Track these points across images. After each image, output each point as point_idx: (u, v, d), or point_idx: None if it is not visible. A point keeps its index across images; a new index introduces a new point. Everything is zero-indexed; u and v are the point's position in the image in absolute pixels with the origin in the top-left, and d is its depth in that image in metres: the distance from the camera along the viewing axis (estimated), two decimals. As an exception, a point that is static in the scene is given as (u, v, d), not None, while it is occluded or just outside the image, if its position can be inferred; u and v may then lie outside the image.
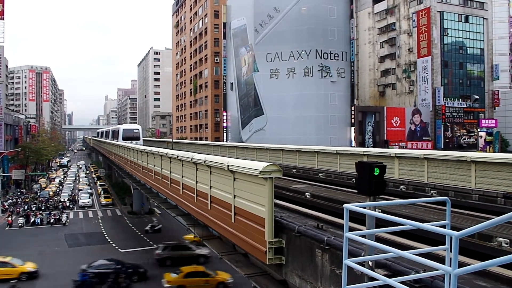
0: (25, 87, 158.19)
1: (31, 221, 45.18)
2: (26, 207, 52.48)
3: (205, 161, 11.77)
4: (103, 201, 57.22)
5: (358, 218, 7.15)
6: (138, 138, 49.12)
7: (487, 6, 63.08)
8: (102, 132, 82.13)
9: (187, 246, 32.40)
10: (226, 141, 64.65)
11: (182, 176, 14.84)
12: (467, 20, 61.19)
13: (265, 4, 61.49)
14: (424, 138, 58.85)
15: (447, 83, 59.82)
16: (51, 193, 64.39)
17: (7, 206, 53.67)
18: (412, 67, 60.60)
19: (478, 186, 12.42)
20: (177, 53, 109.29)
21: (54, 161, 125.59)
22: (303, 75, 60.03)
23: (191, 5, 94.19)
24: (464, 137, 61.52)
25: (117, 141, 47.62)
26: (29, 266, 28.46)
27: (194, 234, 18.59)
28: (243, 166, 9.25)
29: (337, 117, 59.23)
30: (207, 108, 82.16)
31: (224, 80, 71.34)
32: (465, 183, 12.85)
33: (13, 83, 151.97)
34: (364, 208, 4.33)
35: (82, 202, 56.16)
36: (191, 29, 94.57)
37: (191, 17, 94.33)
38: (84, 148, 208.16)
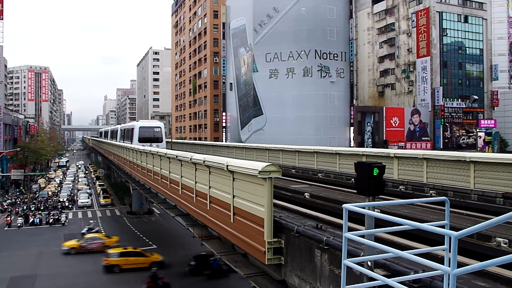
0: (24, 87, 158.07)
1: (30, 221, 45.13)
2: (25, 207, 52.41)
3: (204, 161, 11.77)
4: (102, 201, 57.16)
5: (357, 218, 7.16)
6: (160, 140, 37.88)
7: (486, 7, 63.14)
8: (105, 132, 71.37)
9: None
10: (225, 141, 64.64)
11: (181, 176, 14.84)
12: (466, 20, 61.23)
13: (265, 4, 61.50)
14: (423, 138, 58.89)
15: (446, 83, 59.86)
16: (50, 193, 64.31)
17: (6, 206, 53.62)
18: (411, 67, 60.65)
19: (477, 186, 12.43)
20: (176, 53, 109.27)
21: (53, 161, 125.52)
22: (302, 75, 60.04)
23: (190, 5, 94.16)
24: (463, 137, 61.57)
25: (131, 143, 37.09)
26: (157, 256, 30.14)
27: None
28: (242, 166, 9.25)
29: (336, 117, 59.25)
30: (206, 108, 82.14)
31: (223, 80, 71.30)
32: (464, 183, 12.86)
33: (12, 83, 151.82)
34: (363, 208, 4.33)
35: (81, 202, 56.10)
36: (190, 29, 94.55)
37: (190, 17, 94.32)
38: (83, 148, 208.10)
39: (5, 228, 43.39)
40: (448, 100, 59.53)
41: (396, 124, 57.81)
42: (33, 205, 54.03)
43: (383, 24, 65.10)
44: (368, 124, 58.71)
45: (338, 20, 60.58)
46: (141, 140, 36.78)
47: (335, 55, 60.44)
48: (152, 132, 38.52)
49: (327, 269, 7.47)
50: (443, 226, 3.85)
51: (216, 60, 79.53)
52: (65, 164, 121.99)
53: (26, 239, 39.01)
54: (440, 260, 3.75)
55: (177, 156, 15.00)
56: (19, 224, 43.93)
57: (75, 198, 60.67)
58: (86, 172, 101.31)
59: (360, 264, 5.08)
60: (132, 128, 39.42)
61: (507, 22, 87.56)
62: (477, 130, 60.00)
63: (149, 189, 24.79)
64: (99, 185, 69.13)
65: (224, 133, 70.03)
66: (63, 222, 45.41)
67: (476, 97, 61.58)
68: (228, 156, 31.36)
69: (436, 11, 58.67)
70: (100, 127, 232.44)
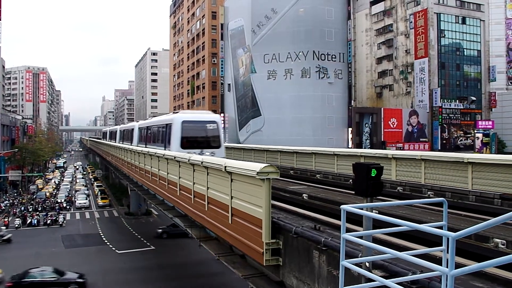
0: (22, 87, 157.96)
1: (28, 222, 45.06)
2: (22, 208, 52.30)
3: (202, 162, 11.76)
4: (100, 202, 57.10)
5: (355, 219, 7.16)
6: (216, 144, 22.96)
7: (483, 8, 63.28)
8: (111, 133, 55.66)
9: None
10: (224, 142, 64.50)
11: (179, 177, 14.82)
12: (464, 21, 61.37)
13: (263, 5, 61.53)
14: (421, 139, 58.96)
15: (444, 85, 59.94)
16: (48, 194, 64.18)
17: (3, 207, 53.50)
18: (409, 69, 60.72)
19: (475, 187, 12.44)
20: (174, 54, 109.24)
21: (51, 162, 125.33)
22: (300, 76, 60.09)
23: (189, 6, 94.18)
24: (461, 138, 61.66)
25: (165, 148, 22.13)
26: None
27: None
28: (240, 167, 9.25)
29: (334, 118, 59.30)
30: (204, 109, 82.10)
31: (222, 81, 71.33)
32: (462, 184, 12.87)
33: (9, 83, 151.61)
34: (361, 209, 4.33)
35: (79, 203, 56.04)
36: (188, 30, 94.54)
37: (189, 18, 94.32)
38: (81, 149, 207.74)
39: (3, 229, 43.28)
40: (446, 101, 59.62)
41: (394, 125, 57.86)
42: (31, 206, 53.90)
43: (381, 25, 65.19)
44: (366, 125, 58.75)
45: (336, 22, 60.68)
46: (186, 144, 21.48)
47: (333, 56, 60.52)
48: (203, 130, 23.11)
49: (325, 270, 7.47)
50: (441, 227, 3.85)
51: (214, 61, 79.56)
52: (63, 165, 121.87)
53: (24, 240, 38.94)
54: (438, 261, 3.76)
55: (175, 157, 14.99)
56: (16, 225, 43.84)
57: (73, 199, 60.59)
58: (84, 173, 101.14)
59: (358, 265, 5.08)
60: (168, 125, 23.11)
61: (504, 24, 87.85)
62: (475, 131, 60.06)
63: (147, 190, 24.74)
64: (97, 186, 69.02)
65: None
66: (61, 223, 45.37)
67: (474, 98, 61.69)
68: (226, 157, 31.33)
69: (434, 13, 58.76)
70: (99, 127, 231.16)
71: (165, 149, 21.47)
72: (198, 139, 22.60)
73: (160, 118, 28.75)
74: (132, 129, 35.43)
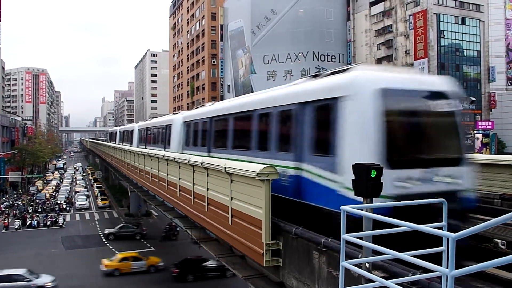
0: (22, 89, 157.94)
1: (28, 223, 45.05)
2: (22, 209, 52.26)
3: (202, 163, 11.75)
4: (100, 203, 57.08)
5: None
6: (455, 155, 8.71)
7: (483, 9, 63.33)
8: (124, 133, 44.54)
9: None
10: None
11: (179, 178, 14.81)
12: (463, 22, 61.41)
13: (262, 6, 61.61)
14: (421, 140, 58.89)
15: (443, 85, 59.91)
16: (47, 195, 64.16)
17: (3, 208, 53.46)
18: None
19: (475, 187, 12.43)
20: (174, 55, 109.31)
21: (51, 163, 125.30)
22: (300, 77, 60.06)
23: (188, 7, 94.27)
24: (461, 138, 61.60)
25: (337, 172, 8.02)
26: None
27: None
28: (240, 168, 9.24)
29: (334, 119, 59.31)
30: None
31: (221, 82, 71.41)
32: (462, 184, 12.83)
33: (9, 85, 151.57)
34: (361, 210, 4.33)
35: (79, 204, 56.02)
36: (188, 31, 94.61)
37: (188, 19, 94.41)
38: (81, 151, 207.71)
39: (3, 231, 43.30)
40: (445, 101, 59.57)
41: (394, 126, 57.82)
42: (31, 208, 53.88)
43: (380, 26, 65.20)
44: (366, 125, 58.69)
45: (336, 22, 60.79)
46: (398, 156, 7.73)
47: (333, 57, 60.61)
48: (428, 115, 8.67)
49: (325, 271, 7.46)
50: (441, 228, 3.85)
51: (214, 62, 79.59)
52: (62, 166, 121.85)
53: (24, 242, 38.94)
54: (438, 261, 3.75)
55: (175, 158, 14.99)
56: (16, 227, 43.83)
57: (72, 200, 60.55)
58: (84, 174, 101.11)
59: (358, 266, 5.08)
60: (318, 106, 8.75)
61: (504, 24, 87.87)
62: (475, 131, 60.05)
63: (147, 191, 24.74)
64: (97, 187, 68.98)
65: (222, 135, 69.85)
66: (60, 224, 45.36)
67: (473, 98, 61.49)
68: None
69: (434, 13, 58.78)
70: (99, 129, 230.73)
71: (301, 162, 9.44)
72: (422, 141, 8.66)
73: (268, 93, 12.13)
74: (167, 126, 22.53)
